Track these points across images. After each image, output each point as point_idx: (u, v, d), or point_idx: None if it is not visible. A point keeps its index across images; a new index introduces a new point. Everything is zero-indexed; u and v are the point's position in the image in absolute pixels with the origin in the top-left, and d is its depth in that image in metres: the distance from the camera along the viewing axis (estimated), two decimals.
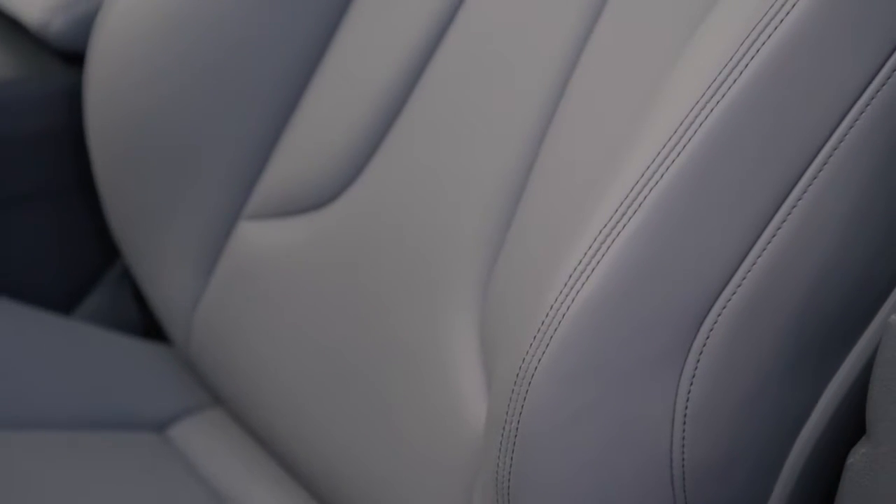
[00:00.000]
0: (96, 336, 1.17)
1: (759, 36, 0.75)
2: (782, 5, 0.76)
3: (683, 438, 0.76)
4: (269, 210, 1.09)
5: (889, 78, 0.76)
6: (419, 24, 1.03)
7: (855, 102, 0.75)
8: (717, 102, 0.75)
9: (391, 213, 1.01)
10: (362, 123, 1.04)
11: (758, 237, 0.75)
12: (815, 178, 0.76)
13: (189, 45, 1.08)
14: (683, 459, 0.76)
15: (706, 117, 0.75)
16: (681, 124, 0.76)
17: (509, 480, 0.77)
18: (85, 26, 1.18)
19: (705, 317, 0.75)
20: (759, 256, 0.75)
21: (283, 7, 1.08)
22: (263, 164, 1.10)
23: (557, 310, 0.75)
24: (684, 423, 0.76)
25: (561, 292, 0.75)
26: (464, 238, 0.96)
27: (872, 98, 0.75)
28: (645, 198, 0.75)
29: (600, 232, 0.75)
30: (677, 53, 0.82)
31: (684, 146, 0.75)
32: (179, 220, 1.11)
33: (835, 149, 0.76)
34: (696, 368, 0.75)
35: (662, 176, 0.75)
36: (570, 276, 0.75)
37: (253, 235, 1.09)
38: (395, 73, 1.04)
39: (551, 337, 0.75)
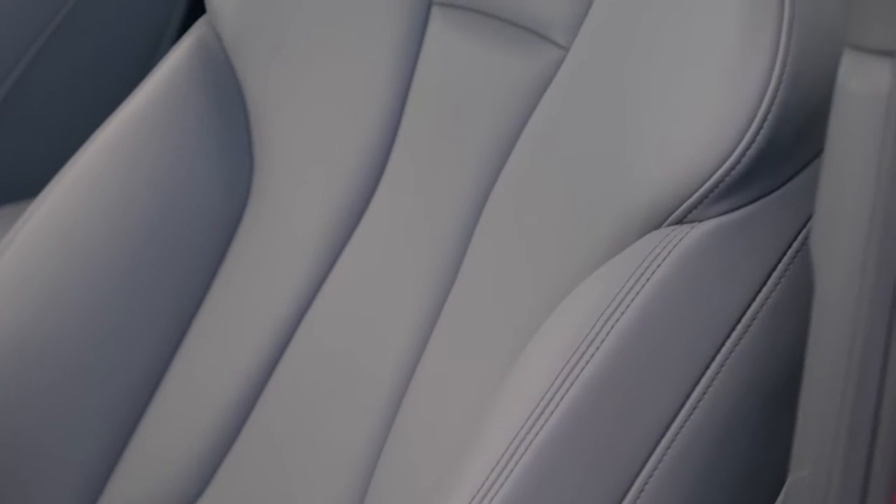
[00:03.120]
0: None
1: (577, 363, 0.80)
2: (599, 331, 0.81)
3: None
4: None
5: (697, 405, 0.81)
6: (266, 333, 1.05)
7: (670, 424, 0.80)
8: (537, 433, 0.79)
9: None
10: (206, 438, 1.05)
11: None
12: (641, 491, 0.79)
13: (22, 367, 1.07)
14: None
15: (525, 449, 0.78)
16: (510, 444, 0.79)
17: None
18: None
19: None
20: None
21: (126, 330, 1.08)
22: (102, 488, 1.10)
23: None
24: None
25: None
26: None
27: (684, 423, 0.80)
28: None
29: None
30: (503, 375, 0.86)
31: (515, 464, 0.78)
32: None
33: (655, 469, 0.80)
34: None
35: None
36: None
37: None
38: (243, 381, 1.05)
39: None
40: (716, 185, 0.81)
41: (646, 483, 0.79)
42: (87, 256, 1.07)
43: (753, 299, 0.82)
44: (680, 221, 0.83)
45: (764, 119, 0.80)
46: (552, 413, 0.79)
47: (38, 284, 1.07)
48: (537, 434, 0.78)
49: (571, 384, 0.79)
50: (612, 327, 0.80)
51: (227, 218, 1.09)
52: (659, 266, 0.81)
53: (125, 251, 1.08)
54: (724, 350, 0.81)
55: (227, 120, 1.09)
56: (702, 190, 0.81)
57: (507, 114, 0.96)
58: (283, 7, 1.07)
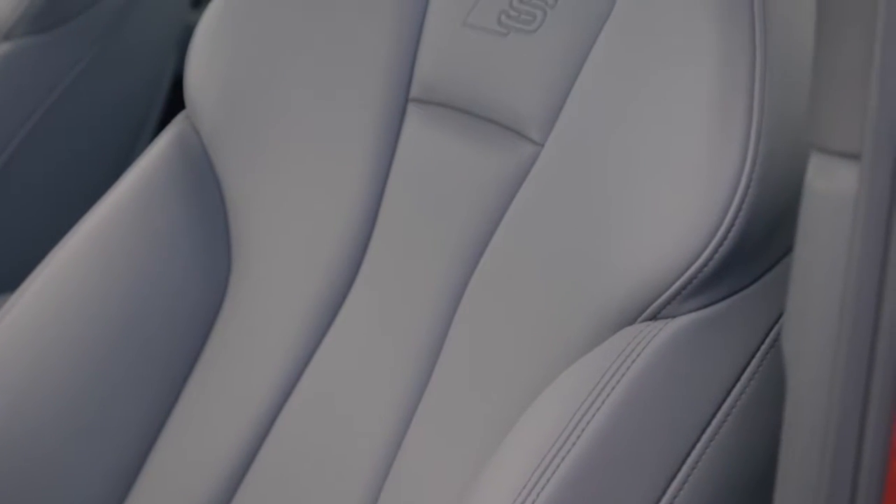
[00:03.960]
0: None
1: (553, 458, 0.81)
2: (574, 427, 0.81)
3: None
4: None
5: (673, 501, 0.82)
6: (245, 424, 1.05)
7: None
8: None
9: None
10: None
11: None
12: None
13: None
14: None
15: None
16: None
17: None
18: None
19: None
20: None
21: (105, 421, 1.08)
22: None
23: None
24: None
25: None
26: None
27: None
28: None
29: None
30: (480, 469, 0.86)
31: None
32: None
33: None
34: None
35: None
36: None
37: None
38: (222, 472, 1.05)
39: None
40: (688, 282, 0.82)
41: None
42: (67, 347, 1.08)
43: (728, 395, 0.83)
44: (654, 317, 0.84)
45: (735, 218, 0.82)
46: None
47: (16, 374, 1.07)
48: None
49: (548, 480, 0.80)
50: (588, 423, 0.81)
51: (206, 309, 1.10)
52: (634, 362, 0.82)
53: (104, 342, 1.08)
54: (699, 446, 0.82)
55: (206, 213, 1.10)
56: (674, 287, 0.83)
57: (482, 208, 0.97)
58: (261, 103, 1.09)
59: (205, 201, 1.10)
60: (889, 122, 0.64)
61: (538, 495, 0.79)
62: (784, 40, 0.84)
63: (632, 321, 0.85)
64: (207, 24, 1.11)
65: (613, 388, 0.81)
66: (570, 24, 0.95)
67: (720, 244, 0.82)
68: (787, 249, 0.81)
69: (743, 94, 0.83)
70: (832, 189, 0.67)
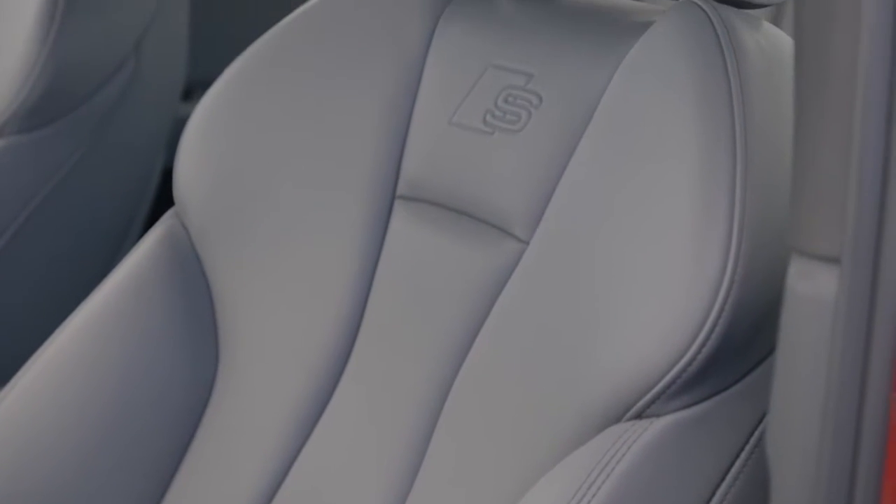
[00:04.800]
0: None
1: None
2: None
3: None
4: None
5: None
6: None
7: None
8: None
9: None
10: None
11: None
12: None
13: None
14: None
15: None
16: None
17: None
18: None
19: None
20: None
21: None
22: None
23: None
24: None
25: None
26: None
27: None
28: None
29: None
30: None
31: None
32: None
33: None
34: None
35: None
36: None
37: None
38: None
39: None
40: (673, 382, 0.83)
41: None
42: (56, 439, 1.08)
43: (713, 495, 0.84)
44: (639, 416, 0.84)
45: (718, 318, 0.82)
46: None
47: (6, 461, 1.07)
48: None
49: None
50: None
51: (194, 403, 1.10)
52: (619, 462, 0.82)
53: (93, 434, 1.08)
54: None
55: (194, 309, 1.11)
56: (659, 386, 0.83)
57: (468, 306, 0.98)
58: (250, 200, 1.10)
59: (193, 298, 1.10)
60: (868, 227, 0.65)
61: None
62: (764, 141, 0.86)
63: (617, 420, 0.85)
64: (197, 122, 1.12)
65: (599, 488, 0.81)
66: (555, 123, 0.97)
67: (704, 344, 0.83)
68: (770, 349, 0.82)
69: (724, 195, 0.84)
70: (813, 292, 0.68)
